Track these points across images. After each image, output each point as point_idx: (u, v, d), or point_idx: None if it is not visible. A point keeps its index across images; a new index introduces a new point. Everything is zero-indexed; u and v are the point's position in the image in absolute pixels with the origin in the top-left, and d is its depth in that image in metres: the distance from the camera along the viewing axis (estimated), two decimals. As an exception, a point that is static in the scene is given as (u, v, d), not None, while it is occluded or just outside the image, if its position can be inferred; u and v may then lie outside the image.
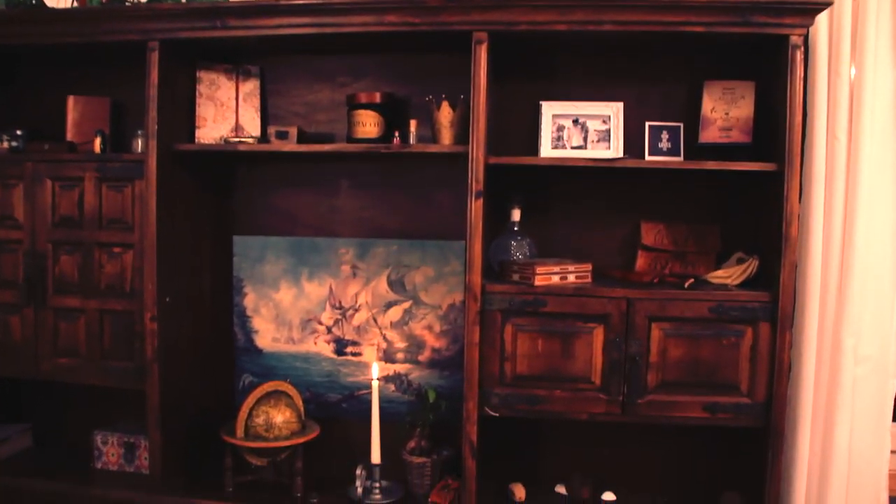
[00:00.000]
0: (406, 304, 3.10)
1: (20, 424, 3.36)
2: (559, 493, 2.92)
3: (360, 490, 2.76)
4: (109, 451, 3.08)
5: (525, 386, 2.61)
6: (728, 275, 2.68)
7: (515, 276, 2.65)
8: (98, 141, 2.91)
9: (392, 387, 3.11)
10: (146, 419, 2.85)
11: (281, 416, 2.84)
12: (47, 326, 2.94)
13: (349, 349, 3.15)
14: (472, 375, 2.59)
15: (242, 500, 2.81)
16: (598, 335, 2.57)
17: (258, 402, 2.84)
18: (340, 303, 3.14)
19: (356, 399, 3.14)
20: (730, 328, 2.54)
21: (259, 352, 3.23)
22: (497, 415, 2.62)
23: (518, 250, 2.84)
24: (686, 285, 2.61)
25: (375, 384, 2.83)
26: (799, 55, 2.46)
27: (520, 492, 2.86)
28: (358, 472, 2.75)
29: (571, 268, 2.65)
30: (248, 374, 3.23)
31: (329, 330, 3.16)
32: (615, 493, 2.86)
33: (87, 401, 3.31)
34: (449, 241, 3.03)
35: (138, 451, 3.03)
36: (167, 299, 2.84)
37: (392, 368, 3.11)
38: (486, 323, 2.59)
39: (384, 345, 3.12)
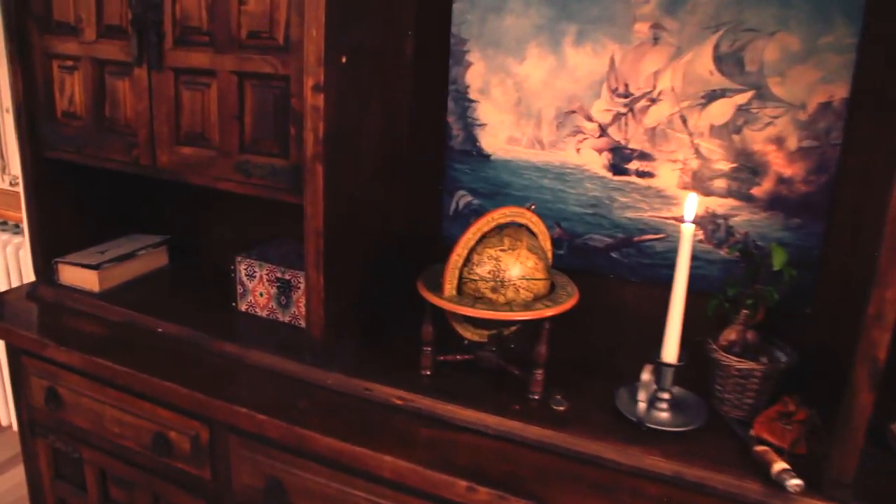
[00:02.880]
0: (742, 97, 1.77)
1: (155, 235, 2.51)
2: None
3: (642, 404, 1.62)
4: (257, 288, 2.10)
5: None
6: None
7: None
8: None
9: (700, 233, 1.88)
10: (304, 251, 1.81)
11: (519, 267, 1.68)
12: (165, 97, 1.92)
13: (634, 165, 1.90)
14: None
15: (444, 394, 1.74)
16: None
17: (484, 239, 1.71)
18: (627, 87, 1.87)
19: (636, 247, 1.95)
20: None
21: (485, 157, 2.06)
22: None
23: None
24: None
25: (689, 229, 1.60)
26: None
27: (912, 436, 1.65)
28: (645, 376, 1.60)
29: None
30: (464, 190, 2.09)
31: (603, 130, 1.91)
32: None
33: (233, 208, 2.38)
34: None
35: (296, 292, 2.04)
36: (343, 59, 1.71)
37: (702, 204, 1.87)
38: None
39: (695, 163, 1.85)
